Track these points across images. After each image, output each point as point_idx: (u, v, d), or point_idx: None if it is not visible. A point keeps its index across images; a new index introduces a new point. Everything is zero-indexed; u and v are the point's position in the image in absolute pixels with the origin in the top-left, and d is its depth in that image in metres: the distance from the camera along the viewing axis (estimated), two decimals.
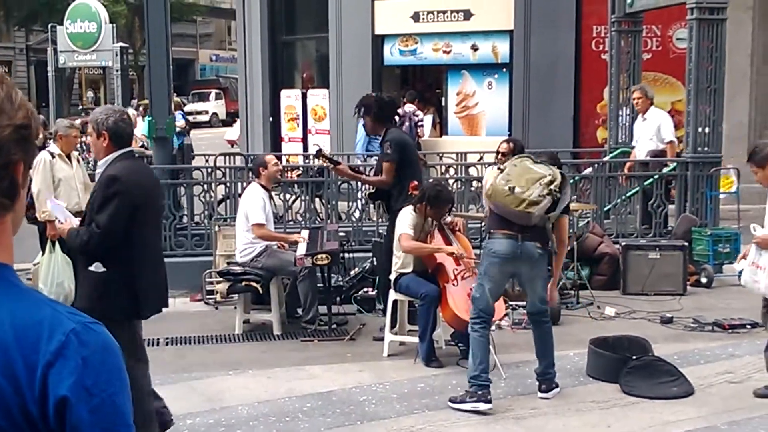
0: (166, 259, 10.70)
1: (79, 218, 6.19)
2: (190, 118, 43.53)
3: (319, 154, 9.37)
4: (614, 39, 13.69)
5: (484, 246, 7.74)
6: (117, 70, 25.34)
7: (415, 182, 11.05)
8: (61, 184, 9.32)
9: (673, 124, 12.53)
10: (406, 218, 8.16)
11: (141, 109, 22.67)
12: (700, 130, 11.56)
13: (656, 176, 12.08)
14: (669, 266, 10.56)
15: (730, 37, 12.82)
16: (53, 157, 9.33)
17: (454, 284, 7.93)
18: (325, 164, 9.73)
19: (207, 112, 49.26)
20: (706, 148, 11.61)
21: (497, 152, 10.27)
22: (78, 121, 24.32)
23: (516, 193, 6.78)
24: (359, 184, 11.72)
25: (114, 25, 26.99)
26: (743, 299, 10.19)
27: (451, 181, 11.68)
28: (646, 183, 12.03)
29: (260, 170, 9.48)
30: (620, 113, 13.75)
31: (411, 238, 8.04)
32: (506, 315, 8.78)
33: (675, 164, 11.99)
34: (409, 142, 9.24)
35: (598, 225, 11.47)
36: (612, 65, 13.76)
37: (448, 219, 8.49)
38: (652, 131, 12.23)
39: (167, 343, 8.92)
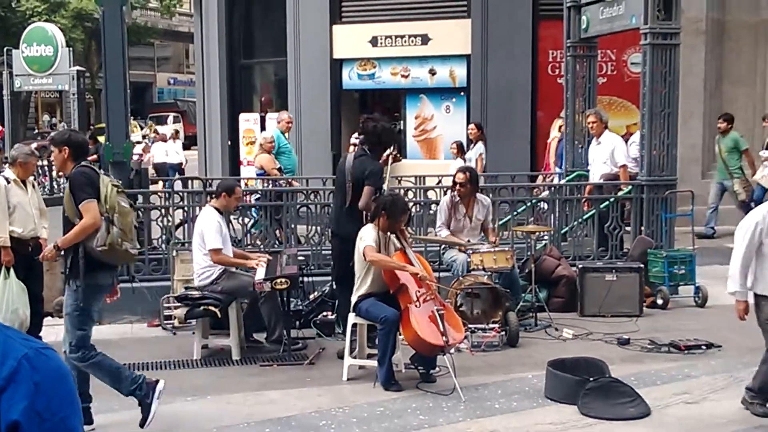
0: (123, 285, 10.77)
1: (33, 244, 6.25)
2: (147, 141, 43.38)
3: None
4: (570, 63, 13.83)
5: None
6: (74, 94, 25.26)
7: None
8: (16, 210, 9.24)
9: (626, 147, 12.68)
10: (369, 234, 8.18)
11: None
12: (654, 153, 11.70)
13: (612, 199, 12.21)
14: (625, 288, 10.64)
15: (684, 61, 13.01)
16: (8, 182, 9.25)
17: (416, 306, 7.95)
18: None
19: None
20: (661, 171, 11.75)
21: (453, 182, 10.37)
22: (34, 145, 24.13)
23: None
24: (317, 208, 11.75)
25: (71, 48, 26.88)
26: (699, 320, 10.33)
27: (410, 205, 11.71)
28: (602, 206, 12.15)
29: (224, 195, 9.40)
30: (563, 140, 13.88)
31: (375, 250, 8.06)
32: (465, 338, 8.80)
33: (630, 187, 12.13)
34: (338, 171, 9.42)
35: (555, 248, 11.56)
36: (568, 89, 13.89)
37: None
38: (606, 155, 12.37)
39: None
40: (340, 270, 9.12)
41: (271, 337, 9.36)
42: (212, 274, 9.18)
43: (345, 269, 8.82)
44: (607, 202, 12.18)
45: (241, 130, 19.84)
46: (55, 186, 25.84)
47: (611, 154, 12.35)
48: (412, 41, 17.53)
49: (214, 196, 9.75)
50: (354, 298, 8.28)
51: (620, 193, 12.30)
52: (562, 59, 15.06)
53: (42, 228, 9.76)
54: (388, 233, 8.28)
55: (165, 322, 10.39)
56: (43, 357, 1.72)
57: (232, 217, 11.24)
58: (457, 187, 10.26)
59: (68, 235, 6.92)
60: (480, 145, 15.91)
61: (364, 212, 8.71)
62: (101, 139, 22.40)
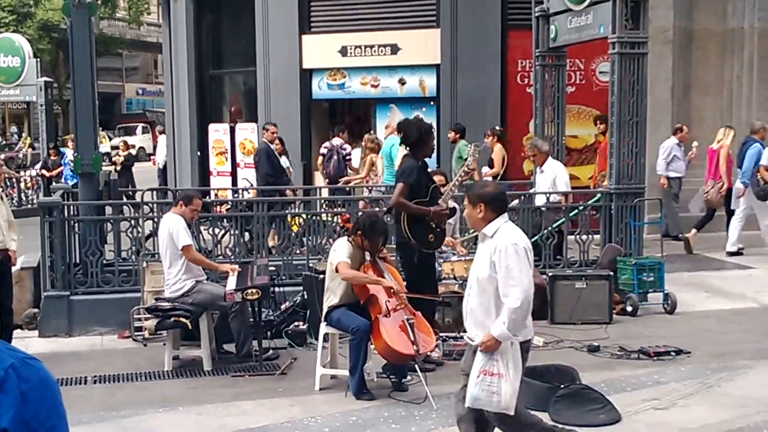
0: (93, 296, 10.74)
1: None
2: (116, 152, 43.15)
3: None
4: (538, 73, 13.91)
5: None
6: (41, 105, 25.07)
7: (347, 215, 11.13)
8: None
9: (567, 175, 12.73)
10: (343, 248, 8.20)
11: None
12: (623, 161, 11.78)
13: (581, 207, 12.29)
14: (595, 296, 10.70)
15: (651, 70, 13.12)
16: None
17: (386, 316, 7.96)
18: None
19: (134, 146, 48.74)
20: (629, 180, 11.83)
21: None
22: (2, 156, 24.00)
23: None
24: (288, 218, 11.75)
25: (38, 59, 26.71)
26: (668, 327, 10.41)
27: (380, 214, 11.72)
28: (571, 214, 12.24)
29: (182, 203, 9.37)
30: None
31: (349, 266, 8.07)
32: (437, 346, 8.82)
33: (599, 195, 12.21)
34: None
35: None
36: (537, 98, 13.97)
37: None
38: (549, 182, 12.41)
39: (95, 382, 8.81)
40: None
41: (240, 353, 9.33)
42: (184, 287, 9.13)
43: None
44: (576, 211, 12.26)
45: (210, 141, 19.81)
46: (23, 198, 25.68)
47: (553, 182, 12.40)
48: (382, 51, 17.57)
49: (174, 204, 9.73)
50: (325, 308, 8.29)
51: (590, 201, 12.38)
52: (531, 68, 15.14)
53: (11, 240, 9.70)
54: (366, 252, 8.29)
55: (135, 333, 10.34)
56: (29, 367, 1.73)
57: (202, 227, 11.24)
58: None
59: None
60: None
61: (401, 212, 8.78)
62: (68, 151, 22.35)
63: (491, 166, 15.76)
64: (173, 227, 9.15)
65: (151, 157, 26.95)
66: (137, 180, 24.82)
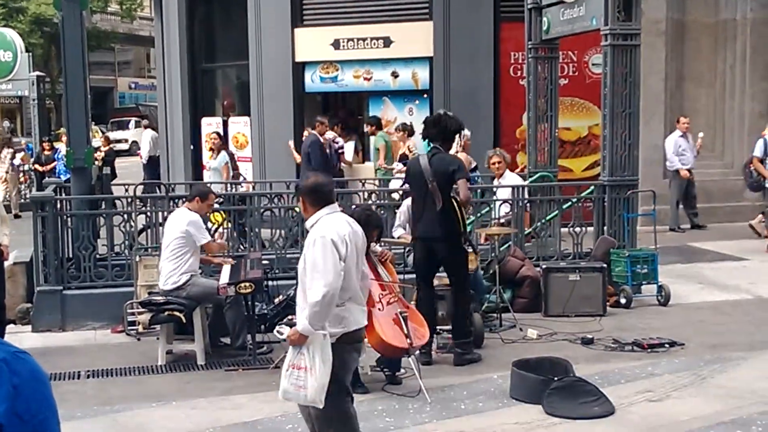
0: (86, 291, 10.72)
1: None
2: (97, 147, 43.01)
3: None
4: (531, 65, 13.90)
5: None
6: (34, 100, 25.04)
7: (340, 208, 11.07)
8: None
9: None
10: None
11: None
12: (616, 153, 11.77)
13: (574, 200, 12.30)
14: (589, 288, 10.70)
15: (644, 62, 13.12)
16: None
17: (380, 309, 7.95)
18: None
19: (127, 141, 48.70)
20: (622, 171, 11.83)
21: None
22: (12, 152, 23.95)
23: None
24: (281, 212, 11.74)
25: (30, 53, 26.67)
26: (662, 319, 10.43)
27: (373, 207, 11.73)
28: (564, 206, 12.25)
29: (198, 200, 9.37)
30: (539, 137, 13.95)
31: None
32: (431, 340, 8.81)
33: (592, 187, 12.21)
34: (412, 172, 9.06)
35: (519, 248, 11.60)
36: (530, 91, 13.96)
37: (378, 249, 8.51)
38: (507, 193, 12.33)
39: (89, 376, 8.79)
40: (425, 271, 9.12)
41: (235, 344, 9.34)
42: (180, 281, 9.11)
43: (432, 271, 9.08)
44: (570, 203, 12.27)
45: (203, 135, 19.76)
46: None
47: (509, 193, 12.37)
48: (374, 44, 17.55)
49: (186, 200, 9.71)
50: None
51: (583, 194, 12.38)
52: (524, 61, 15.13)
53: (3, 235, 9.69)
54: None
55: (129, 327, 10.32)
56: (20, 360, 1.73)
57: None
58: None
59: None
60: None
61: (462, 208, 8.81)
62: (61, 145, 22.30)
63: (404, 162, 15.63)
64: (193, 224, 9.14)
65: (138, 153, 27.00)
66: (121, 175, 24.72)
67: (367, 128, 16.06)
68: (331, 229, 5.53)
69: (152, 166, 24.12)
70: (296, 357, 5.50)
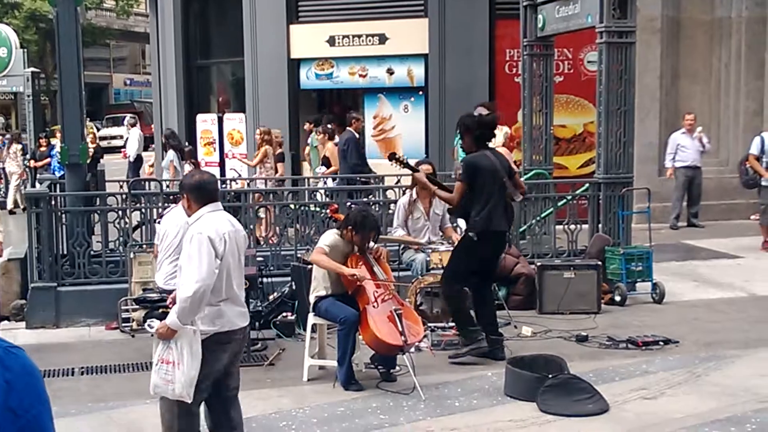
0: (80, 287, 10.70)
1: None
2: (105, 143, 42.97)
3: (393, 157, 9.18)
4: (527, 62, 13.90)
5: None
6: (28, 96, 24.99)
7: (335, 206, 11.10)
8: None
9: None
10: (327, 238, 8.20)
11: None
12: (611, 151, 11.78)
13: (569, 197, 12.30)
14: (583, 285, 10.71)
15: (639, 59, 13.14)
16: None
17: (374, 306, 7.95)
18: (398, 167, 9.40)
19: (122, 137, 48.60)
20: (617, 169, 11.83)
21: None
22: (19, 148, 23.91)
23: None
24: (277, 209, 11.74)
25: (25, 49, 26.61)
26: (656, 316, 10.43)
27: (369, 204, 11.73)
28: (559, 204, 12.25)
29: None
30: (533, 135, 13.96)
31: (323, 252, 8.05)
32: (425, 337, 8.82)
33: (587, 185, 12.22)
34: (483, 168, 8.88)
35: (514, 246, 11.60)
36: (525, 88, 13.96)
37: (372, 245, 8.50)
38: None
39: (83, 373, 8.77)
40: (494, 265, 9.25)
41: None
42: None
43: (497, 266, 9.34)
44: (565, 201, 12.28)
45: (198, 131, 19.76)
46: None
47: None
48: (370, 41, 17.55)
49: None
50: (312, 299, 8.27)
51: (578, 191, 12.39)
52: (519, 58, 15.11)
53: None
54: (354, 246, 8.26)
55: (123, 324, 10.30)
56: (12, 355, 1.73)
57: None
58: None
59: None
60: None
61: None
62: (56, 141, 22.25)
63: (327, 165, 15.61)
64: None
65: (122, 150, 26.93)
66: (113, 172, 24.60)
67: (306, 125, 15.96)
68: (209, 227, 5.52)
69: (138, 164, 24.06)
70: (165, 351, 5.49)
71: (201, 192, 5.69)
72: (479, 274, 8.91)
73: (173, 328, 5.41)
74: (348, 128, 15.68)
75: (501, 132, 13.70)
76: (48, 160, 23.01)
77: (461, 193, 8.73)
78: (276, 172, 15.80)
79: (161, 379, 5.48)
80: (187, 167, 16.29)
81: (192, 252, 5.46)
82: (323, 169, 15.54)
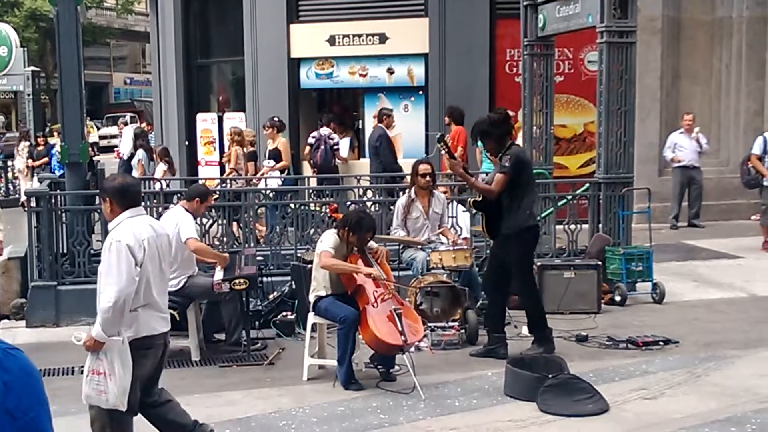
0: (80, 287, 10.69)
1: None
2: (105, 142, 42.94)
3: (441, 139, 9.09)
4: (527, 62, 13.88)
5: None
6: (29, 95, 25.02)
7: (335, 205, 11.08)
8: None
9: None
10: (329, 239, 8.19)
11: None
12: (611, 151, 11.77)
13: (569, 197, 12.29)
14: (583, 285, 10.70)
15: (640, 59, 13.12)
16: None
17: (374, 306, 7.95)
18: (442, 151, 9.29)
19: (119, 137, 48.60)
20: (617, 169, 11.82)
21: (416, 174, 10.37)
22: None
23: None
24: (279, 208, 11.74)
25: (25, 48, 26.61)
26: (656, 316, 10.43)
27: (369, 204, 11.72)
28: (559, 204, 12.25)
29: (198, 201, 9.31)
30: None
31: (331, 255, 8.06)
32: (425, 336, 8.82)
33: (588, 184, 12.21)
34: (528, 162, 9.08)
35: None
36: (525, 88, 13.95)
37: (373, 245, 8.50)
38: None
39: (82, 372, 8.73)
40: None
41: (230, 340, 9.31)
42: (178, 283, 9.05)
43: None
44: (565, 200, 12.27)
45: (198, 130, 19.74)
46: (11, 188, 25.59)
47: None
48: (370, 40, 17.53)
49: (184, 198, 9.64)
50: (312, 298, 8.27)
51: (579, 190, 12.38)
52: (519, 58, 15.10)
53: None
54: (352, 247, 8.26)
55: None
56: (11, 357, 1.72)
57: None
58: (427, 178, 10.28)
59: None
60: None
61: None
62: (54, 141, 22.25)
63: (276, 160, 15.47)
64: (182, 221, 9.05)
65: (116, 150, 26.89)
66: (111, 171, 24.62)
67: (266, 130, 15.93)
68: (128, 234, 5.48)
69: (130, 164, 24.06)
70: (95, 362, 5.47)
71: (124, 196, 5.64)
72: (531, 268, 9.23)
73: (99, 340, 5.40)
74: (379, 124, 15.64)
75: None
76: (45, 159, 23.00)
77: (503, 186, 8.73)
78: (247, 171, 15.68)
79: (93, 390, 5.47)
80: (162, 166, 16.31)
81: (111, 261, 5.42)
82: (271, 162, 15.40)
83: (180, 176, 18.45)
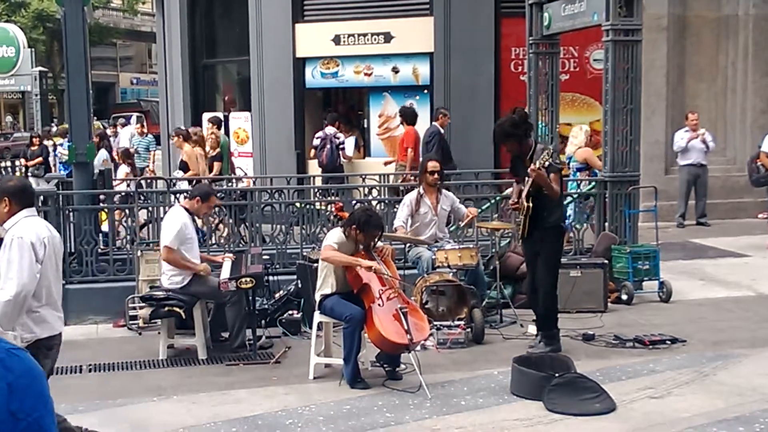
0: (88, 285, 10.71)
1: None
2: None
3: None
4: (532, 61, 13.88)
5: None
6: (36, 95, 25.08)
7: (340, 204, 11.08)
8: None
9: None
10: (334, 235, 8.21)
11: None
12: (617, 149, 11.76)
13: (575, 195, 12.29)
14: (590, 284, 10.69)
15: (646, 58, 13.10)
16: None
17: (380, 305, 7.95)
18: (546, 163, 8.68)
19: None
20: (623, 167, 11.81)
21: (425, 171, 10.37)
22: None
23: None
24: (282, 207, 11.73)
25: (33, 49, 26.66)
26: (663, 315, 10.41)
27: (374, 203, 11.72)
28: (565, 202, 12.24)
29: (198, 200, 9.29)
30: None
31: (332, 249, 8.06)
32: (431, 335, 8.81)
33: (594, 183, 12.21)
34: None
35: (519, 244, 11.57)
36: (531, 86, 13.94)
37: (379, 243, 8.50)
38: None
39: (90, 370, 8.80)
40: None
41: (234, 343, 9.29)
42: (183, 280, 9.07)
43: None
44: (570, 200, 12.26)
45: (204, 131, 19.72)
46: None
47: None
48: (375, 39, 17.52)
49: (187, 197, 9.65)
50: (318, 297, 8.28)
51: (585, 189, 12.37)
52: (524, 56, 15.10)
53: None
54: (359, 245, 8.26)
55: (130, 322, 10.32)
56: (15, 358, 1.71)
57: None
58: (435, 175, 10.28)
59: None
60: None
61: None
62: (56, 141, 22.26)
63: (185, 170, 15.11)
64: (167, 224, 9.10)
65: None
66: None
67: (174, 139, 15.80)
68: (30, 231, 5.55)
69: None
70: None
71: (23, 195, 5.74)
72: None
73: None
74: (434, 123, 15.61)
75: (582, 131, 13.71)
76: (39, 159, 22.97)
77: (562, 183, 8.96)
78: (210, 171, 15.43)
79: None
80: (124, 168, 16.30)
81: (12, 256, 5.47)
82: (180, 173, 15.10)
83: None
